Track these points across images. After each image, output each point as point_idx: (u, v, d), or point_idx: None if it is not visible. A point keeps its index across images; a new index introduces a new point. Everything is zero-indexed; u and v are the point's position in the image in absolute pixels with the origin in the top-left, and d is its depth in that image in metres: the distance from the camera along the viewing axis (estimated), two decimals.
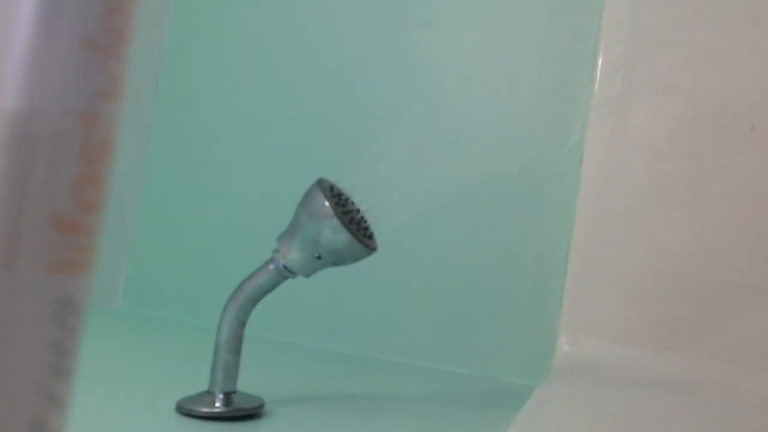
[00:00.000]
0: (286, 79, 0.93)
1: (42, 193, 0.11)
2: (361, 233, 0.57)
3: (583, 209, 0.85)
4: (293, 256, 0.57)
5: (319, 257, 0.57)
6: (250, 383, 0.60)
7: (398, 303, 0.87)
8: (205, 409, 0.56)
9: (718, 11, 0.83)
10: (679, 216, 0.82)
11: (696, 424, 0.69)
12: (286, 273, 0.57)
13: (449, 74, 0.88)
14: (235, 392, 0.58)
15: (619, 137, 0.85)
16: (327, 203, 0.55)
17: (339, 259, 0.57)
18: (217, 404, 0.57)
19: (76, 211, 0.11)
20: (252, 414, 0.58)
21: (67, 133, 0.11)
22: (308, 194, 0.57)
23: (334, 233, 0.55)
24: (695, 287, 0.81)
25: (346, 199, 0.58)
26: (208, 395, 0.57)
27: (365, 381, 0.75)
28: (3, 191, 0.11)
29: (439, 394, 0.74)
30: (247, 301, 0.58)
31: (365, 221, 0.58)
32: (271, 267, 0.57)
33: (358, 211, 0.58)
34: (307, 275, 0.58)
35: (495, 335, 0.85)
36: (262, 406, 0.59)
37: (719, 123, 0.82)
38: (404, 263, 0.87)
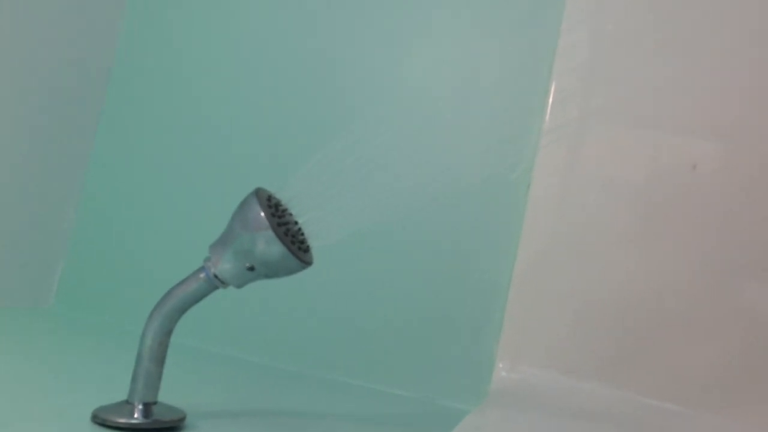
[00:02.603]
0: (231, 85, 0.91)
1: None
2: (296, 246, 0.55)
3: (527, 236, 0.85)
4: (225, 266, 0.55)
5: (251, 268, 0.55)
6: (172, 394, 0.58)
7: (335, 319, 0.86)
8: (122, 420, 0.54)
9: (672, 45, 0.84)
10: (624, 249, 0.83)
11: None
12: (216, 282, 0.56)
13: (402, 91, 0.88)
14: (155, 403, 0.56)
15: (568, 166, 0.86)
16: (262, 213, 0.54)
17: (272, 271, 0.55)
18: (136, 415, 0.55)
19: None
20: (172, 427, 0.56)
21: None
22: (244, 203, 0.55)
23: (268, 245, 0.54)
24: (634, 320, 0.82)
25: (284, 211, 0.56)
26: (126, 405, 0.55)
27: (296, 397, 0.73)
28: None
29: (370, 414, 0.73)
30: (174, 309, 0.56)
31: (302, 234, 0.57)
32: (202, 276, 0.56)
33: (296, 223, 0.57)
34: (239, 286, 0.56)
35: (433, 357, 0.84)
36: (183, 419, 0.57)
37: (665, 161, 0.83)
38: (343, 279, 0.86)
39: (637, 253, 0.83)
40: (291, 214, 0.57)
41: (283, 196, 0.58)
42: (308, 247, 0.58)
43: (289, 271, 0.56)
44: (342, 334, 0.85)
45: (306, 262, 0.56)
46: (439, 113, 0.86)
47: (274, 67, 0.90)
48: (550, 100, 0.85)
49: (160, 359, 0.56)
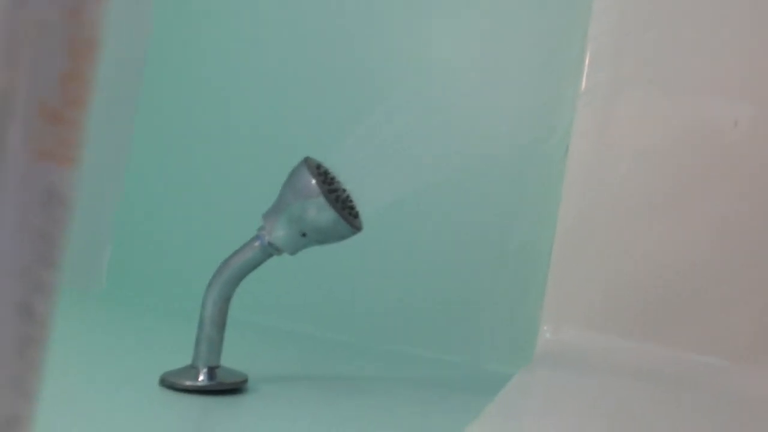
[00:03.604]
0: (274, 60, 0.93)
1: (29, 80, 0.12)
2: (346, 212, 0.58)
3: (567, 200, 0.86)
4: (278, 233, 0.57)
5: (304, 235, 0.58)
6: (234, 361, 0.60)
7: (382, 288, 0.88)
8: (189, 383, 0.57)
9: (709, 5, 0.84)
10: (663, 209, 0.84)
11: (671, 414, 0.70)
12: (271, 250, 0.58)
13: (437, 63, 0.89)
14: (218, 367, 0.58)
15: (605, 130, 0.87)
16: (313, 181, 0.56)
17: (324, 237, 0.58)
18: (201, 378, 0.57)
19: (62, 103, 0.12)
20: (235, 389, 0.59)
21: (52, 24, 0.12)
22: (294, 172, 0.57)
23: (319, 211, 0.56)
24: (676, 279, 0.83)
25: (332, 178, 0.58)
26: (191, 369, 0.58)
27: (348, 365, 0.76)
28: None
29: (420, 379, 0.75)
30: (232, 277, 0.58)
31: (351, 200, 0.59)
32: (257, 244, 0.58)
33: (344, 190, 0.59)
34: (292, 253, 0.59)
35: (478, 323, 0.86)
36: (245, 381, 0.59)
37: (703, 117, 0.83)
38: (390, 248, 0.88)
39: (677, 215, 0.83)
40: (339, 182, 0.59)
41: (330, 165, 0.60)
42: (357, 213, 0.60)
43: (340, 237, 0.58)
44: (389, 303, 0.87)
45: (356, 228, 0.58)
46: (476, 82, 0.88)
47: (320, 45, 0.92)
48: (586, 63, 0.86)
49: (221, 325, 0.58)
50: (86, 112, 0.13)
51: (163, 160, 0.96)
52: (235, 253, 0.59)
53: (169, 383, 0.57)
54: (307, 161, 0.58)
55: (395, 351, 0.84)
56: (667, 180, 0.84)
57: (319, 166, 0.58)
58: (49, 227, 0.13)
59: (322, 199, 0.56)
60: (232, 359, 0.60)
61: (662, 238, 0.84)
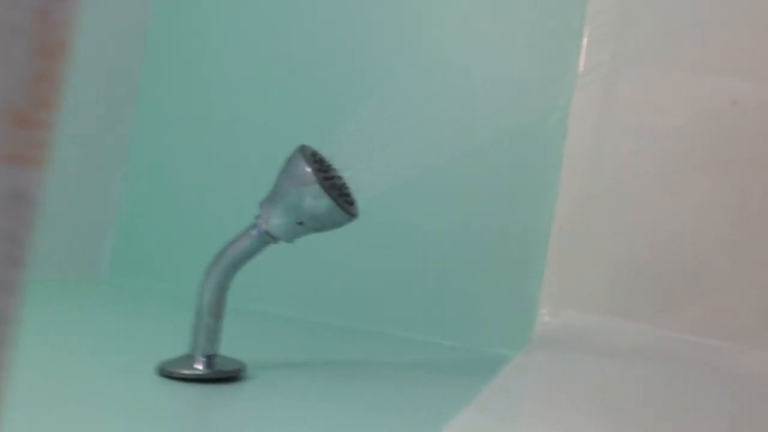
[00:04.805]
0: (273, 49, 0.93)
1: None
2: (342, 199, 0.57)
3: (566, 183, 0.85)
4: (275, 221, 0.57)
5: (300, 223, 0.57)
6: (232, 349, 0.60)
7: (381, 273, 0.88)
8: (186, 371, 0.57)
9: None
10: (662, 191, 0.83)
11: (668, 393, 0.70)
12: (267, 238, 0.58)
13: (435, 45, 0.88)
14: (216, 355, 0.58)
15: (604, 111, 0.86)
16: (309, 169, 0.56)
17: (320, 224, 0.57)
18: (199, 366, 0.57)
19: (31, 105, 0.12)
20: (233, 377, 0.59)
21: (20, 28, 0.11)
22: (290, 160, 0.57)
23: (315, 199, 0.56)
24: (674, 260, 0.83)
25: (328, 166, 0.58)
26: (189, 358, 0.58)
27: (347, 349, 0.76)
28: None
29: (418, 363, 0.75)
30: (229, 265, 0.58)
31: (347, 188, 0.59)
32: (254, 232, 0.58)
33: (340, 177, 0.59)
34: (289, 241, 0.59)
35: (477, 306, 0.86)
36: (243, 369, 0.59)
37: (702, 95, 0.83)
38: (387, 233, 0.87)
39: (676, 195, 0.83)
40: (335, 169, 0.58)
41: (326, 153, 0.60)
42: (353, 200, 0.59)
43: (337, 224, 0.58)
44: (388, 288, 0.87)
45: (352, 215, 0.58)
46: (476, 64, 0.87)
47: (318, 30, 0.91)
48: (584, 43, 0.85)
49: (218, 314, 0.58)
50: (55, 114, 0.13)
51: (164, 150, 0.96)
52: (232, 241, 0.58)
53: (167, 372, 0.57)
54: (302, 149, 0.57)
55: (394, 336, 0.84)
56: (667, 160, 0.84)
57: (314, 154, 0.58)
58: (15, 227, 0.12)
59: (317, 187, 0.55)
60: (230, 347, 0.60)
61: (660, 219, 0.83)
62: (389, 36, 0.90)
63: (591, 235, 0.85)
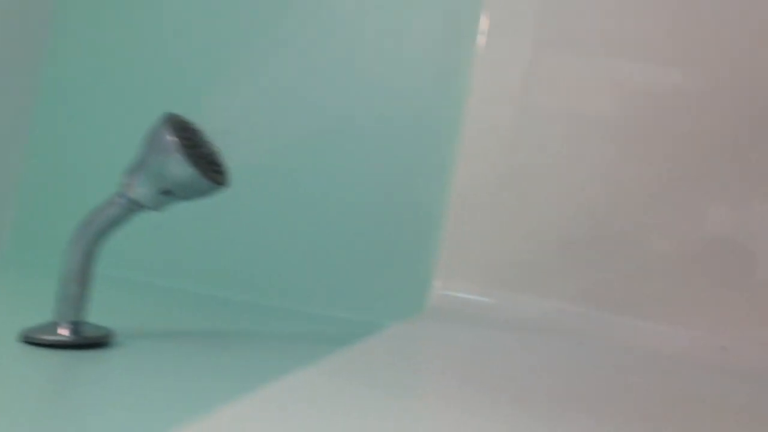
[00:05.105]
0: (155, 18, 0.92)
1: None
2: (209, 168, 0.58)
3: (464, 160, 0.87)
4: (139, 189, 0.57)
5: (167, 191, 0.57)
6: (103, 317, 0.61)
7: (278, 246, 0.88)
8: (51, 337, 0.57)
9: None
10: (551, 173, 0.85)
11: (541, 361, 0.72)
12: (133, 206, 0.58)
13: (333, 16, 0.88)
14: (82, 322, 0.58)
15: (500, 91, 0.87)
16: (171, 137, 0.56)
17: (186, 193, 0.58)
18: (64, 332, 0.57)
19: None
20: (100, 343, 0.59)
21: None
22: (154, 129, 0.57)
23: (178, 167, 0.56)
24: (566, 238, 0.85)
25: (196, 134, 0.58)
26: (53, 325, 0.58)
27: (228, 321, 0.76)
28: None
29: (302, 333, 0.76)
30: (94, 233, 0.58)
31: (215, 156, 0.59)
32: (119, 200, 0.58)
33: (209, 145, 0.59)
34: (157, 209, 0.59)
35: (373, 279, 0.87)
36: (111, 336, 0.60)
37: (588, 81, 0.85)
38: (281, 204, 0.88)
39: (569, 172, 0.85)
40: (203, 137, 0.59)
41: (207, 120, 0.60)
42: (223, 169, 0.60)
43: (203, 193, 0.58)
44: (282, 260, 0.88)
45: (220, 184, 0.58)
46: (375, 36, 0.87)
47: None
48: (482, 27, 0.86)
49: (84, 281, 0.58)
50: None
51: (66, 124, 0.94)
52: (98, 209, 0.58)
53: (30, 338, 0.57)
54: (167, 118, 0.57)
55: (287, 309, 0.85)
56: (561, 139, 0.86)
57: (181, 123, 0.58)
58: None
59: (180, 156, 0.56)
60: (101, 315, 0.61)
61: (552, 196, 0.85)
62: (286, 6, 0.89)
63: (486, 210, 0.87)
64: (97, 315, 0.60)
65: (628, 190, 0.83)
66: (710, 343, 0.78)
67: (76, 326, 0.58)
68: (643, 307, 0.82)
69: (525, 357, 0.72)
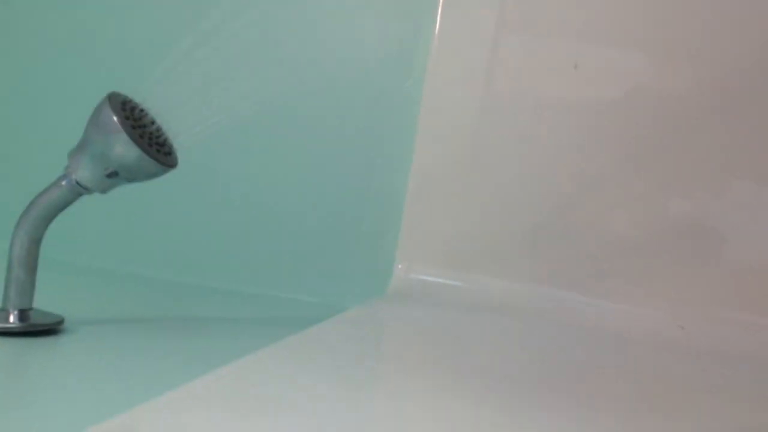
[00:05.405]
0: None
1: None
2: (154, 148, 0.57)
3: (421, 143, 0.87)
4: (84, 172, 0.56)
5: (113, 173, 0.57)
6: (51, 304, 0.60)
7: (235, 228, 0.88)
8: None
9: None
10: (514, 154, 0.85)
11: (510, 343, 0.72)
12: (79, 189, 0.57)
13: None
14: (30, 309, 0.57)
15: (459, 73, 0.87)
16: (115, 117, 0.55)
17: (132, 175, 0.57)
18: (11, 320, 0.56)
19: None
20: (50, 330, 0.58)
21: None
22: (97, 108, 0.56)
23: (122, 147, 0.55)
24: (525, 220, 0.85)
25: (141, 112, 0.57)
26: (1, 312, 0.57)
27: (187, 306, 0.76)
28: None
29: (263, 318, 0.75)
30: (39, 217, 0.57)
31: (162, 136, 0.58)
32: (63, 183, 0.57)
33: (155, 125, 0.58)
34: (103, 191, 0.58)
35: (336, 262, 0.87)
36: (61, 322, 0.59)
37: (548, 62, 0.85)
38: (243, 187, 0.87)
39: (526, 155, 0.85)
40: (149, 117, 0.58)
41: (153, 98, 0.59)
42: (171, 149, 0.59)
43: (150, 174, 0.57)
44: (245, 244, 0.87)
45: (167, 164, 0.58)
46: (328, 22, 0.87)
47: None
48: (440, 6, 0.86)
49: (30, 267, 0.57)
50: None
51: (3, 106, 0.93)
52: (42, 192, 0.57)
53: None
54: (110, 97, 0.56)
55: (246, 293, 0.84)
56: (515, 124, 0.86)
57: (125, 102, 0.57)
58: None
59: (124, 136, 0.55)
60: (51, 302, 0.60)
61: (513, 181, 0.85)
62: None
63: (448, 192, 0.87)
64: (46, 302, 0.59)
65: (592, 172, 0.84)
66: (670, 323, 0.79)
67: (24, 313, 0.57)
68: (606, 289, 0.82)
69: (488, 338, 0.72)
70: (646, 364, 0.70)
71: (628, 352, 0.73)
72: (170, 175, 0.59)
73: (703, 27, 0.80)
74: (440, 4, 0.86)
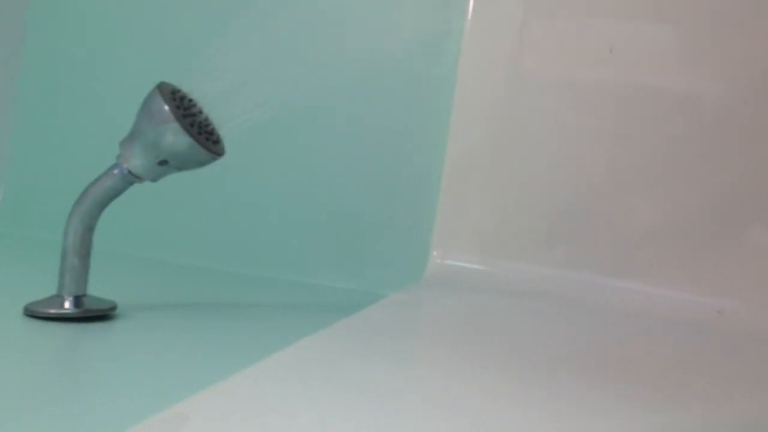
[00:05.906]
0: None
1: None
2: (203, 137, 0.58)
3: (456, 128, 0.87)
4: (136, 161, 0.58)
5: (163, 162, 0.58)
6: (106, 291, 0.61)
7: (275, 217, 0.89)
8: (53, 311, 0.58)
9: None
10: (545, 140, 0.86)
11: (542, 326, 0.73)
12: (130, 178, 0.58)
13: None
14: (85, 295, 0.59)
15: (492, 58, 0.88)
16: (166, 107, 0.56)
17: (182, 163, 0.58)
18: (67, 305, 0.58)
19: None
20: (103, 316, 0.59)
21: None
22: (148, 98, 0.57)
23: (174, 137, 0.56)
24: (554, 205, 0.85)
25: (190, 103, 0.58)
26: (56, 298, 0.58)
27: (231, 293, 0.77)
28: None
29: (303, 303, 0.77)
30: (92, 205, 0.59)
31: (210, 125, 0.59)
32: (115, 172, 0.58)
33: (203, 114, 0.59)
34: (153, 180, 0.59)
35: (371, 249, 0.88)
36: (114, 308, 0.60)
37: (582, 46, 0.85)
38: (281, 175, 0.88)
39: (561, 143, 0.85)
40: (197, 106, 0.59)
41: (197, 87, 0.60)
42: (218, 138, 0.60)
43: (200, 163, 0.59)
44: (282, 232, 0.88)
45: (216, 153, 0.59)
46: (361, 11, 0.87)
47: None
48: None
49: (84, 254, 0.59)
50: None
51: (52, 99, 0.95)
52: (94, 181, 0.59)
53: (34, 312, 0.57)
54: (160, 87, 0.57)
55: (285, 280, 0.85)
56: (549, 111, 0.86)
57: (174, 92, 0.58)
58: None
59: (175, 125, 0.56)
60: (105, 288, 0.61)
61: (543, 167, 0.86)
62: None
63: (480, 179, 0.87)
64: (99, 288, 0.60)
65: (624, 156, 0.84)
66: (707, 307, 0.79)
67: (78, 299, 0.58)
68: (637, 272, 0.82)
69: (520, 322, 0.73)
70: (684, 349, 0.70)
71: (665, 336, 0.73)
72: (216, 166, 0.60)
73: (749, 5, 0.80)
74: None
